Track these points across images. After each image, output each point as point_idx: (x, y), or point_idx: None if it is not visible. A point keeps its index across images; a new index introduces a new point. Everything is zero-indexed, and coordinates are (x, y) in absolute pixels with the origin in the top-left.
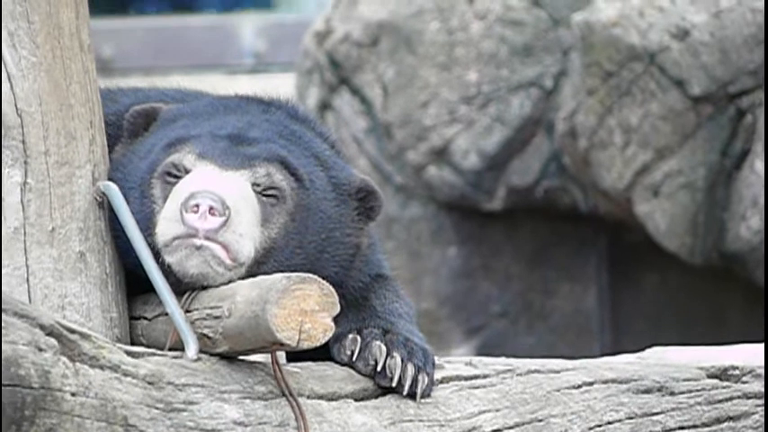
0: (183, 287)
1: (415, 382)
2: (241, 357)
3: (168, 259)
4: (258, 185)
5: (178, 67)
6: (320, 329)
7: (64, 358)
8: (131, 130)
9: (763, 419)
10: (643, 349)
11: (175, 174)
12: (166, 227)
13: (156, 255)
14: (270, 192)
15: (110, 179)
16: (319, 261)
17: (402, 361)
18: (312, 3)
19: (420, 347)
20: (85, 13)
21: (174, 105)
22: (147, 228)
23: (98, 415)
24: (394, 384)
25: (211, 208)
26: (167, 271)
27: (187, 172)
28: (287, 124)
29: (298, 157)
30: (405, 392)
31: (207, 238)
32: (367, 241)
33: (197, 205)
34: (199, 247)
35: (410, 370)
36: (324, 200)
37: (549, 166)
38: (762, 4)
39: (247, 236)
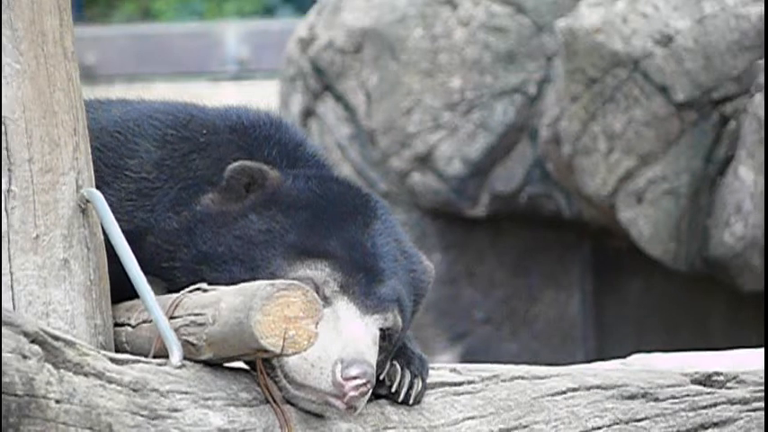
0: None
1: (410, 388)
2: (225, 364)
3: (294, 391)
4: (383, 330)
5: (162, 75)
6: (304, 336)
7: (48, 365)
8: (232, 186)
9: (746, 426)
10: (627, 355)
11: None
12: (309, 372)
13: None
14: (387, 333)
15: (201, 222)
16: None
17: (401, 368)
18: None
19: (417, 355)
20: (69, 20)
21: (283, 177)
22: (248, 266)
23: (82, 422)
24: (392, 391)
25: (367, 382)
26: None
27: (325, 298)
28: (394, 235)
29: (404, 283)
30: (400, 399)
31: (348, 405)
32: None
33: (355, 377)
34: (331, 404)
35: (408, 377)
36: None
37: (533, 173)
38: (746, 11)
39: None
